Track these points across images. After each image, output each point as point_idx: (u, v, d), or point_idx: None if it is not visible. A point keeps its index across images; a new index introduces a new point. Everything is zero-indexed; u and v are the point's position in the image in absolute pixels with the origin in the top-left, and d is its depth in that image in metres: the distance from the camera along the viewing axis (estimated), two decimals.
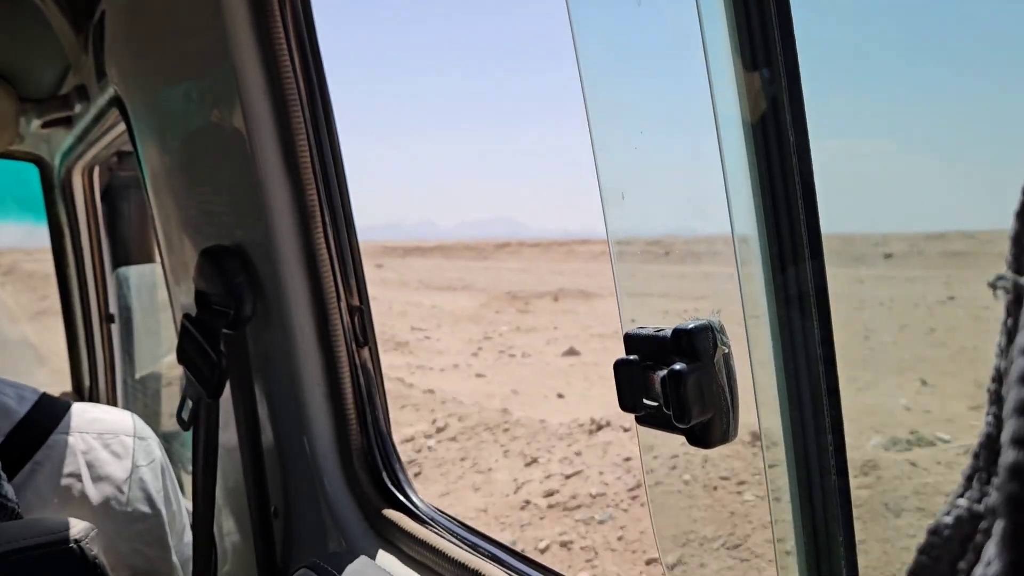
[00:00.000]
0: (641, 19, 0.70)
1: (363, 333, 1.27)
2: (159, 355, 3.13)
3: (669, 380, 0.67)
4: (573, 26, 0.74)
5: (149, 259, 2.96)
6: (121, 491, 1.30)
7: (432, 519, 1.18)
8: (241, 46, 1.19)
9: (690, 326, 0.68)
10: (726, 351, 0.67)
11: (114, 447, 1.32)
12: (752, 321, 0.66)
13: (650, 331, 0.72)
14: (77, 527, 1.13)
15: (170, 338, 3.11)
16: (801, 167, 0.62)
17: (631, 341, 0.73)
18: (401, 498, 1.23)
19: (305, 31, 1.21)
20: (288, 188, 1.23)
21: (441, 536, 1.12)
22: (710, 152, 0.65)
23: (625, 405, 0.73)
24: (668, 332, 0.70)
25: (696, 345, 0.67)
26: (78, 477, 1.26)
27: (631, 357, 0.72)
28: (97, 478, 1.28)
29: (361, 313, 1.27)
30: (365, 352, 1.28)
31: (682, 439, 0.70)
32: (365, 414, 1.28)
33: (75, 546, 1.13)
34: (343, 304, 1.26)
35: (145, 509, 1.32)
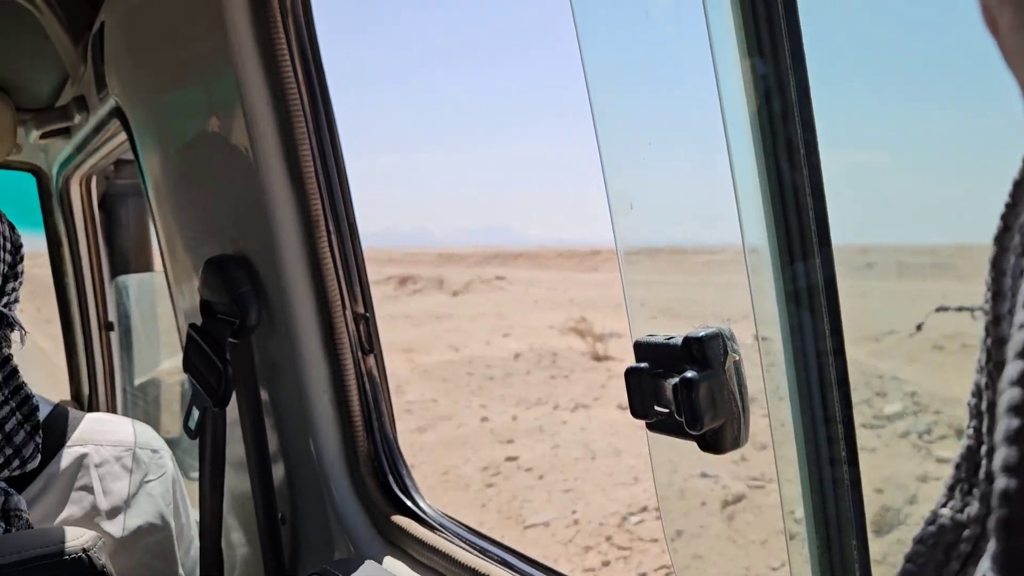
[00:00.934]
0: (649, 28, 0.71)
1: (368, 340, 1.28)
2: (158, 363, 3.13)
3: (681, 387, 0.67)
4: (579, 34, 0.75)
5: (147, 268, 2.96)
6: (131, 504, 1.31)
7: (441, 524, 1.19)
8: (243, 54, 1.20)
9: (701, 334, 0.69)
10: (737, 358, 0.68)
11: (126, 460, 1.32)
12: (764, 330, 0.67)
13: (660, 339, 0.73)
14: (85, 537, 1.14)
15: (169, 346, 3.12)
16: (811, 175, 0.63)
17: (641, 349, 0.74)
18: (409, 504, 1.24)
19: (307, 37, 1.22)
20: (292, 196, 1.24)
21: (450, 541, 1.13)
22: (719, 161, 0.66)
23: (636, 412, 0.74)
24: (679, 340, 0.70)
25: (707, 352, 0.68)
26: (89, 489, 1.26)
27: (642, 365, 0.73)
28: (108, 490, 1.28)
29: (367, 320, 1.28)
30: (371, 359, 1.29)
31: (693, 445, 0.71)
32: (371, 421, 1.29)
33: (83, 556, 1.13)
34: (348, 312, 1.27)
35: (155, 522, 1.32)
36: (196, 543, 1.50)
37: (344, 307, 1.26)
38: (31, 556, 1.10)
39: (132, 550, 1.30)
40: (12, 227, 1.25)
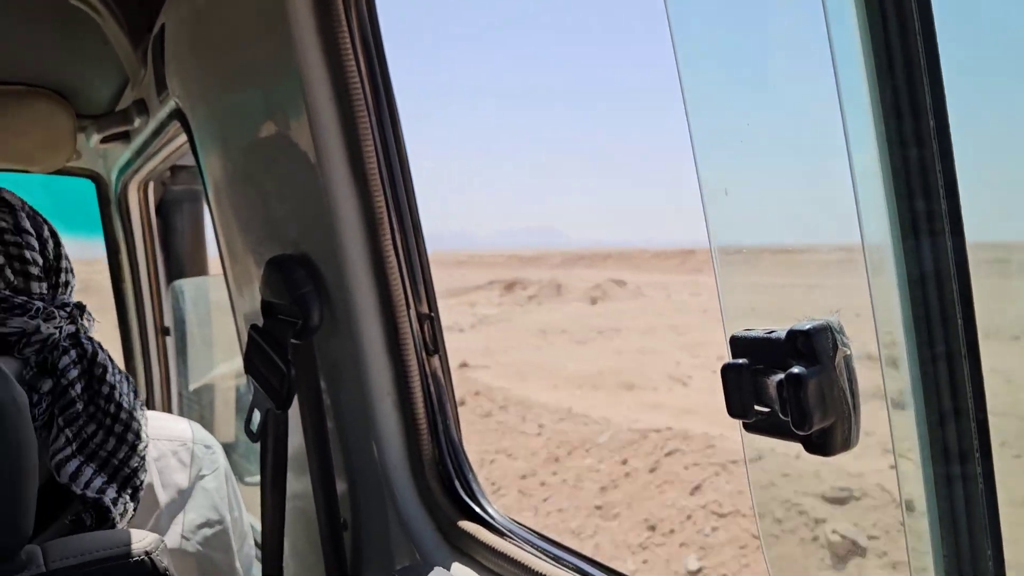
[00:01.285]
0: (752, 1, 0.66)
1: (433, 341, 1.25)
2: (212, 367, 3.16)
3: (787, 384, 0.63)
4: (670, 13, 0.71)
5: (202, 272, 2.99)
6: (189, 498, 1.30)
7: (509, 530, 1.15)
8: (307, 53, 1.18)
9: (807, 327, 0.64)
10: (848, 352, 0.63)
11: (182, 455, 1.32)
12: (885, 336, 0.62)
13: (760, 333, 0.68)
14: (147, 539, 1.12)
15: (223, 350, 3.14)
16: (944, 169, 0.57)
17: (738, 344, 0.70)
18: (476, 509, 1.21)
19: (371, 35, 1.20)
20: (355, 195, 1.22)
21: (520, 547, 1.09)
22: (830, 152, 0.61)
23: (734, 411, 0.69)
24: (781, 334, 0.66)
25: (815, 346, 0.63)
26: (149, 485, 1.26)
27: (740, 361, 0.69)
28: (167, 483, 1.28)
29: (431, 320, 1.25)
30: (435, 360, 1.26)
31: (798, 446, 0.66)
32: (436, 423, 1.26)
33: (146, 559, 1.12)
34: (412, 312, 1.24)
35: (211, 515, 1.32)
36: (249, 539, 1.49)
37: (408, 307, 1.24)
38: (95, 559, 1.09)
39: (191, 543, 1.30)
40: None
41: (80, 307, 1.25)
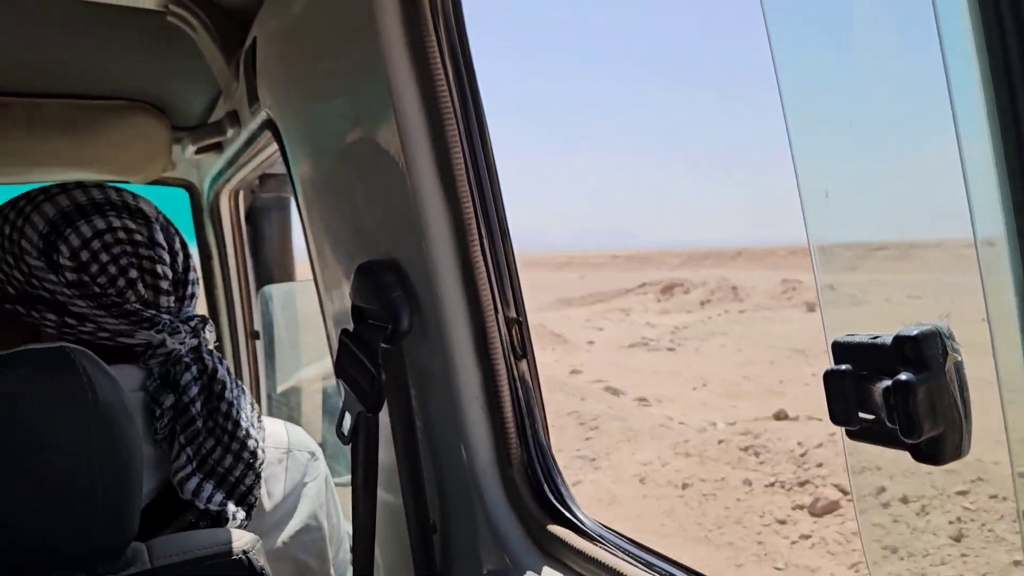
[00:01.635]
0: None
1: (521, 345, 1.26)
2: (299, 371, 3.23)
3: (895, 391, 0.61)
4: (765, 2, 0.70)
5: (289, 277, 3.06)
6: (290, 504, 1.34)
7: (600, 536, 1.14)
8: (395, 61, 1.20)
9: (915, 332, 0.62)
10: (958, 359, 0.61)
11: (287, 462, 1.35)
12: (1001, 339, 0.60)
13: (864, 339, 0.67)
14: (245, 538, 1.16)
15: (309, 354, 3.22)
16: None
17: (841, 350, 0.68)
18: (566, 514, 1.21)
19: (458, 40, 1.21)
20: (443, 201, 1.23)
21: (613, 554, 1.09)
22: (938, 147, 0.59)
23: (837, 418, 0.68)
24: (887, 339, 0.64)
25: (923, 353, 0.61)
26: None
27: (843, 367, 0.67)
28: (271, 492, 1.31)
29: (519, 325, 1.26)
30: (523, 365, 1.27)
31: (906, 455, 0.64)
32: (524, 427, 1.26)
33: (243, 557, 1.15)
34: (500, 316, 1.25)
35: (311, 522, 1.35)
36: (345, 545, 1.52)
37: (496, 311, 1.24)
38: (197, 556, 1.12)
39: (289, 549, 1.33)
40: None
41: (204, 320, 1.29)
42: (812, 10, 0.73)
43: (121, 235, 1.21)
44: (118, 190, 1.29)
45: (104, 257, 1.18)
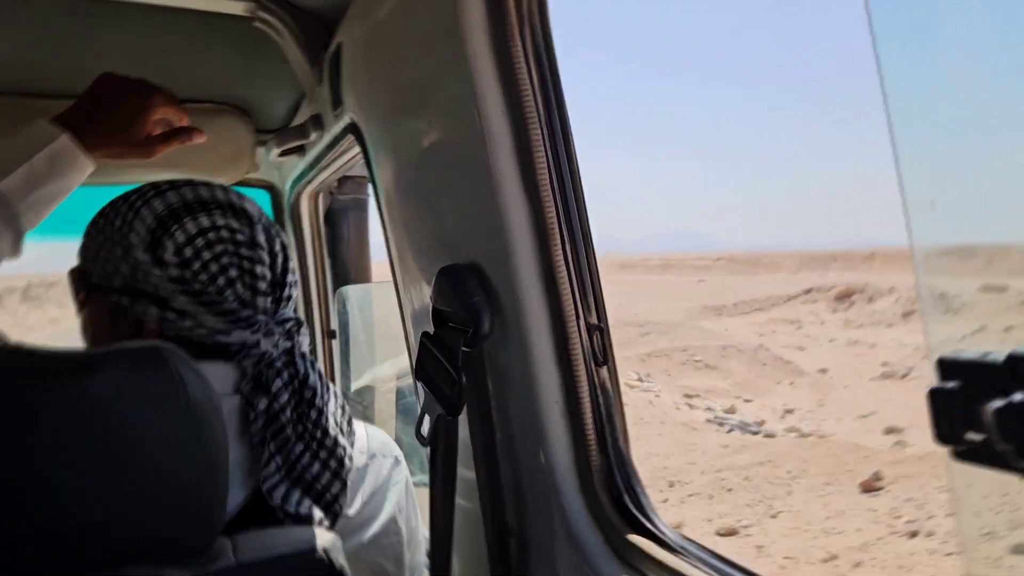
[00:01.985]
0: None
1: (603, 352, 1.24)
2: (374, 370, 3.27)
3: (1010, 413, 0.58)
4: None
5: (366, 279, 3.10)
6: (374, 508, 1.35)
7: (681, 547, 1.12)
8: (480, 65, 1.20)
9: None
10: None
11: (372, 466, 1.36)
12: None
13: (974, 355, 0.64)
14: (324, 537, 1.17)
15: (384, 354, 3.25)
16: None
17: (947, 367, 0.65)
18: (646, 523, 1.19)
19: (543, 43, 1.21)
20: (526, 205, 1.23)
21: (694, 566, 1.07)
22: None
23: (943, 437, 0.65)
24: (999, 357, 0.61)
25: None
26: None
27: (950, 385, 0.64)
28: (353, 496, 1.32)
29: (600, 332, 1.24)
30: (604, 371, 1.25)
31: (1017, 478, 0.61)
32: (604, 434, 1.25)
33: (324, 556, 1.16)
34: (582, 322, 1.24)
35: (391, 526, 1.36)
36: (422, 549, 1.52)
37: (578, 317, 1.23)
38: (280, 554, 1.14)
39: (369, 552, 1.34)
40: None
41: (298, 323, 1.30)
42: (920, 9, 0.70)
43: (224, 234, 1.23)
44: (225, 189, 1.31)
45: (206, 255, 1.21)
